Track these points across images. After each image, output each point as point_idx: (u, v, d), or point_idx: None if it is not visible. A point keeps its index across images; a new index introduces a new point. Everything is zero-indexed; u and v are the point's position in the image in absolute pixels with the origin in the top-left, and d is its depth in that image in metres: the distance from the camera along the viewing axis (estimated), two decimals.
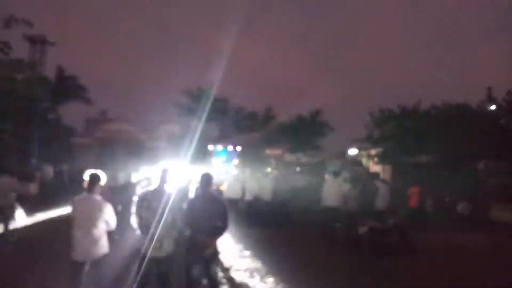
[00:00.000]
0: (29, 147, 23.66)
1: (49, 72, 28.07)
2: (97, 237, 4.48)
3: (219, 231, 4.97)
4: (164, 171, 4.98)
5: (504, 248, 10.72)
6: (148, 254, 4.49)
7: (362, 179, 12.51)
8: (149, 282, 4.59)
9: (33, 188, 19.75)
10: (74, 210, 4.54)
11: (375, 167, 28.90)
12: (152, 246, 4.49)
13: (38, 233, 10.22)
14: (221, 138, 36.34)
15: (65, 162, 27.72)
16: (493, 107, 21.13)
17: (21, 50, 23.98)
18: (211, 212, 4.92)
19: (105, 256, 4.59)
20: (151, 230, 4.54)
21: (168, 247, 4.62)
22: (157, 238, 4.51)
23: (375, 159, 29.74)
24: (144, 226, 4.61)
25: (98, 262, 4.51)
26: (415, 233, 10.46)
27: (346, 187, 10.99)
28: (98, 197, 4.64)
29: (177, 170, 8.75)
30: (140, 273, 4.48)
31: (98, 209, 4.53)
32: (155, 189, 4.87)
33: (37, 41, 24.55)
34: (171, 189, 4.89)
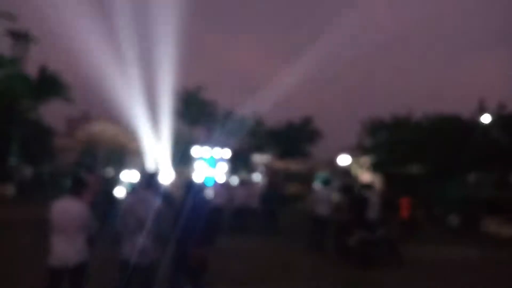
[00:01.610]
0: (8, 146, 22.79)
1: (32, 69, 27.21)
2: (75, 242, 4.25)
3: (207, 240, 4.83)
4: (149, 175, 4.88)
5: (493, 262, 10.54)
6: (132, 261, 4.30)
7: (353, 188, 12.28)
8: None
9: (10, 188, 19.11)
10: (52, 212, 4.29)
11: (365, 176, 28.68)
12: (136, 252, 4.32)
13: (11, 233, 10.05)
14: (208, 142, 35.76)
15: (46, 163, 26.91)
16: (488, 120, 20.76)
17: (2, 46, 23.20)
18: (198, 220, 4.73)
19: (85, 262, 4.35)
20: (135, 237, 4.36)
21: (152, 254, 4.43)
22: (141, 245, 4.34)
23: (366, 168, 29.54)
24: (128, 232, 4.42)
25: (78, 269, 4.26)
26: (404, 245, 10.19)
27: (336, 196, 10.67)
28: (80, 200, 4.41)
29: (163, 174, 8.44)
30: (123, 281, 4.34)
31: (78, 213, 4.28)
32: (139, 194, 4.76)
33: (20, 37, 23.80)
34: (156, 194, 4.68)
